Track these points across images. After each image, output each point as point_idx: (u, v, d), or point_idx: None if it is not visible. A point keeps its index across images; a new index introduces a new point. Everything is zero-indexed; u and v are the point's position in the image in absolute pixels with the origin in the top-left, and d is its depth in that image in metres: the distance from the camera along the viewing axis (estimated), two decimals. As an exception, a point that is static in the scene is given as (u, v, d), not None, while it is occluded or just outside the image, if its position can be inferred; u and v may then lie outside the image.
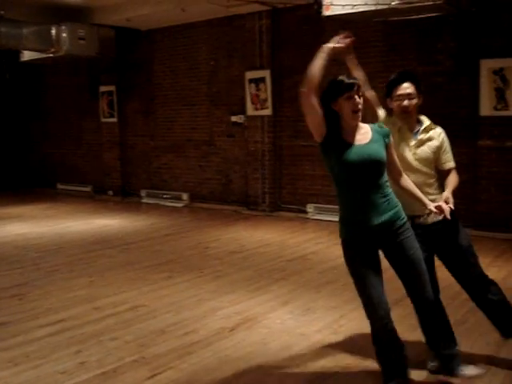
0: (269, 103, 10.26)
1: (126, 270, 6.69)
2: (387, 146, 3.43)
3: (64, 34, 10.82)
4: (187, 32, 11.55)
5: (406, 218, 3.44)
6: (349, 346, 4.32)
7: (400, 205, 3.44)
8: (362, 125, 3.43)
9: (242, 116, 10.78)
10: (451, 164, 3.90)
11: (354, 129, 3.41)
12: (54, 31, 10.82)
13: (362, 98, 3.39)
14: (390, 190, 3.43)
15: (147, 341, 4.49)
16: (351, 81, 3.41)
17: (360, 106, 3.36)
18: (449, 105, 8.50)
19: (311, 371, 3.89)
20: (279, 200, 10.53)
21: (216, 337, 4.56)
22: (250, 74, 10.44)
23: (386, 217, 3.37)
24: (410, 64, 8.76)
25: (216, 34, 11.10)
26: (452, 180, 3.85)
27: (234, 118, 10.92)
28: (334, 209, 9.56)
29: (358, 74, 3.77)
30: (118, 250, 7.72)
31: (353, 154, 3.32)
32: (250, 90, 10.45)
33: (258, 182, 10.56)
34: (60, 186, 14.41)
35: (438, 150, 3.84)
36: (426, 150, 3.80)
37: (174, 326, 4.83)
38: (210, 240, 8.31)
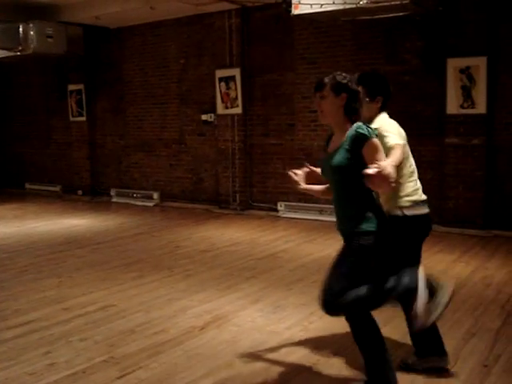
0: (239, 102, 10.27)
1: (95, 270, 6.65)
2: (359, 152, 3.30)
3: (32, 32, 10.68)
4: (157, 30, 11.50)
5: (359, 242, 3.34)
6: (318, 342, 4.36)
7: (367, 222, 3.33)
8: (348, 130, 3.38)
9: (212, 114, 10.77)
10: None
11: (336, 135, 3.49)
12: (21, 29, 10.68)
13: (326, 99, 3.43)
14: (362, 200, 3.38)
15: (117, 341, 4.47)
16: (319, 82, 3.49)
17: (320, 108, 3.44)
18: (416, 103, 8.62)
19: (282, 368, 3.91)
20: (250, 198, 10.55)
21: (186, 336, 4.56)
22: (220, 73, 10.44)
23: (341, 226, 3.51)
24: (378, 63, 8.86)
25: (186, 33, 11.07)
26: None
27: (204, 117, 10.90)
28: (305, 207, 9.62)
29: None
30: (88, 250, 7.66)
31: (321, 163, 3.52)
32: (220, 88, 10.45)
33: (228, 180, 10.57)
34: (29, 186, 14.23)
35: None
36: None
37: (144, 325, 4.81)
38: (181, 239, 8.30)
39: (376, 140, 3.32)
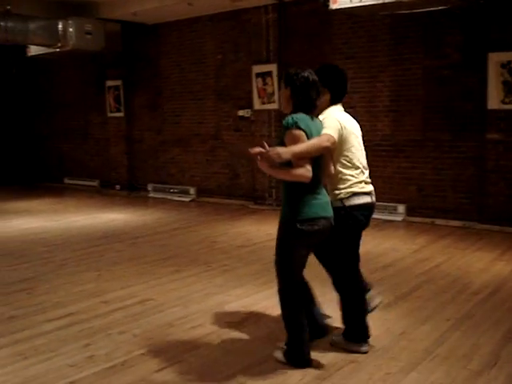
0: (275, 97, 10.24)
1: (133, 264, 6.71)
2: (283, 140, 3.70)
3: (71, 29, 10.82)
4: (194, 26, 11.54)
5: (288, 222, 3.75)
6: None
7: (291, 207, 3.72)
8: None
9: (248, 110, 10.77)
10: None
11: None
12: (60, 26, 10.83)
13: (280, 90, 3.93)
14: (292, 188, 3.71)
15: (155, 334, 4.50)
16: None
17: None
18: (456, 98, 8.47)
19: (319, 365, 3.89)
20: (286, 194, 10.50)
21: (224, 331, 4.57)
22: (256, 68, 10.43)
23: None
24: (416, 57, 8.75)
25: (223, 29, 11.09)
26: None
27: (240, 112, 10.92)
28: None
29: None
30: (126, 244, 7.74)
31: None
32: (256, 83, 10.44)
33: (264, 176, 10.55)
34: (67, 181, 14.45)
35: None
36: None
37: (182, 319, 4.84)
38: (217, 234, 8.32)
39: (295, 131, 3.60)
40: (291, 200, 3.73)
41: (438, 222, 8.67)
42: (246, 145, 3.56)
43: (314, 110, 3.80)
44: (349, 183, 3.98)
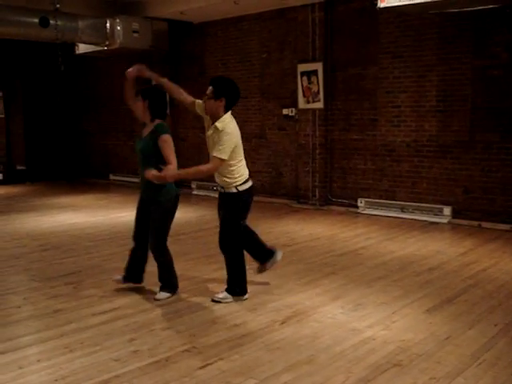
0: (321, 96, 10.19)
1: (177, 260, 6.69)
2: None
3: (118, 27, 10.99)
4: (239, 25, 11.57)
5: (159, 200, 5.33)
6: (401, 342, 4.26)
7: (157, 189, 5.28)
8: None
9: (293, 109, 10.74)
10: (213, 153, 5.03)
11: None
12: (108, 24, 11.01)
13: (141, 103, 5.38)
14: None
15: (198, 331, 4.53)
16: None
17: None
18: (505, 98, 8.28)
19: (363, 367, 3.85)
20: (329, 194, 10.47)
21: (267, 329, 4.56)
22: (302, 67, 10.39)
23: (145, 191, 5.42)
24: (465, 57, 8.60)
25: (268, 27, 11.08)
26: (196, 167, 5.41)
27: (285, 111, 10.90)
28: (386, 203, 9.47)
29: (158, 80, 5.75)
30: (170, 241, 7.68)
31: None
32: (301, 82, 10.40)
33: (308, 175, 10.52)
34: (112, 177, 14.66)
35: (215, 143, 5.02)
36: (211, 140, 5.11)
37: (225, 317, 4.86)
38: (261, 233, 8.22)
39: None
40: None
41: (485, 225, 8.50)
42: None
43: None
44: (240, 173, 5.21)
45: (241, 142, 5.24)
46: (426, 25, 8.94)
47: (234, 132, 5.08)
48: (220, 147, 4.96)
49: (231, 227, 5.36)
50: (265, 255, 5.74)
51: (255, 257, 5.78)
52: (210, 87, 5.12)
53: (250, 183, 5.30)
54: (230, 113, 5.18)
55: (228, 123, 5.08)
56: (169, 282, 5.48)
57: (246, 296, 5.32)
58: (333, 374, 3.74)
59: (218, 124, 5.03)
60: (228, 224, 5.38)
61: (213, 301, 5.23)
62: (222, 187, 5.31)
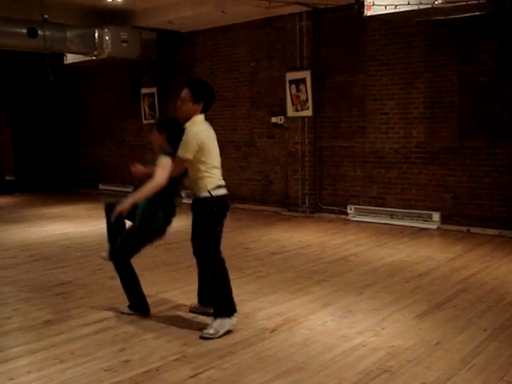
0: (309, 104, 10.24)
1: (167, 269, 6.76)
2: None
3: (107, 37, 11.00)
4: (228, 34, 11.61)
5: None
6: (391, 348, 4.28)
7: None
8: None
9: (282, 117, 10.78)
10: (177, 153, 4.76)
11: None
12: (97, 34, 11.02)
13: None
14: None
15: (189, 340, 4.52)
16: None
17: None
18: (492, 105, 8.35)
19: (354, 374, 3.86)
20: (319, 201, 10.50)
21: (257, 337, 4.57)
22: (290, 75, 10.44)
23: None
24: (452, 63, 8.67)
25: (256, 36, 11.13)
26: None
27: (274, 119, 10.93)
28: (375, 210, 9.51)
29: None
30: (160, 250, 7.77)
31: None
32: (290, 91, 10.45)
33: (298, 183, 10.55)
34: (102, 187, 14.63)
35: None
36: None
37: (216, 325, 4.85)
38: (251, 241, 8.34)
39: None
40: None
41: (474, 230, 8.55)
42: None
43: None
44: (213, 178, 4.84)
45: (215, 148, 4.87)
46: (413, 32, 9.01)
47: (200, 133, 4.70)
48: (183, 145, 4.64)
49: (205, 234, 4.89)
50: (209, 301, 5.03)
51: (200, 295, 5.24)
52: (187, 89, 4.83)
53: (224, 191, 4.96)
54: (203, 116, 4.83)
55: (198, 123, 4.76)
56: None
57: (235, 317, 4.72)
58: (324, 381, 3.76)
59: (187, 124, 4.74)
60: (201, 231, 4.90)
61: (201, 338, 4.56)
62: (195, 193, 4.88)
